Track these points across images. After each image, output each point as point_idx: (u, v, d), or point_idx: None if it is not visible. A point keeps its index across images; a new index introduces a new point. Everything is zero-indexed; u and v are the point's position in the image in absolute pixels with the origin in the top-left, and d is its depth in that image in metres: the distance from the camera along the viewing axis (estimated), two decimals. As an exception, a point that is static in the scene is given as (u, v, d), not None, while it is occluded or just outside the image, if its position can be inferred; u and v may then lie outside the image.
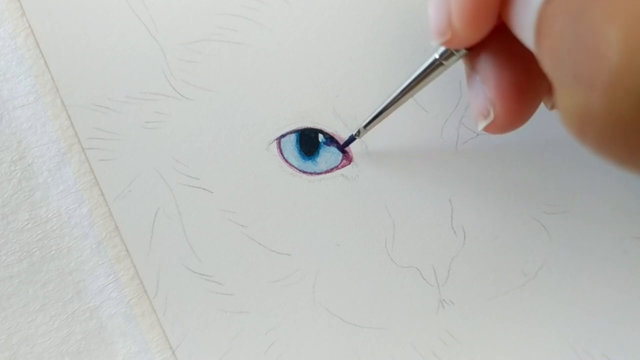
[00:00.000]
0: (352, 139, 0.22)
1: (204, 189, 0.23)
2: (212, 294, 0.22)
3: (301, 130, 0.23)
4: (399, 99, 0.19)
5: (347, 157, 0.23)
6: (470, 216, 0.22)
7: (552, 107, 0.19)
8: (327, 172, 0.23)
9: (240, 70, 0.23)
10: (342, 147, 0.22)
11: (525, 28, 0.14)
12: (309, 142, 0.23)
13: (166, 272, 0.22)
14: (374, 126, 0.21)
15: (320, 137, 0.23)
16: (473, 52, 0.17)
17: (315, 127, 0.23)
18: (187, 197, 0.22)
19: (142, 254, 0.22)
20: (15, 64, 0.23)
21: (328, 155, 0.23)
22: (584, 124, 0.12)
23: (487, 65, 0.17)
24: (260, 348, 0.22)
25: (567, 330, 0.22)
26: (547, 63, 0.13)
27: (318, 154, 0.23)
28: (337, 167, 0.23)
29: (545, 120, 0.23)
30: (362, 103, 0.22)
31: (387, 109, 0.20)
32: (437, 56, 0.18)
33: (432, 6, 0.16)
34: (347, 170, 0.23)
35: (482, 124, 0.18)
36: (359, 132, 0.21)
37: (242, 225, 0.22)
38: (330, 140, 0.23)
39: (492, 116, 0.17)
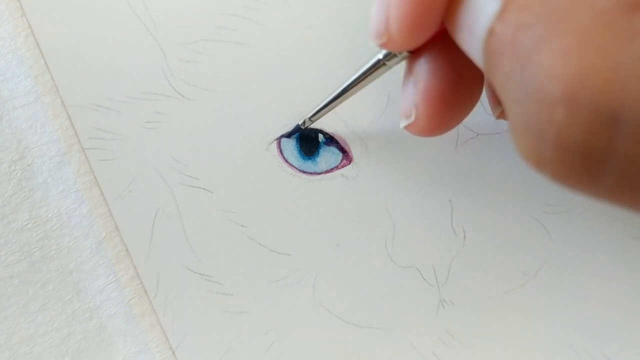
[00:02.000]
0: (298, 128, 0.22)
1: (204, 189, 0.23)
2: (212, 294, 0.22)
3: (301, 130, 0.23)
4: (343, 94, 0.20)
5: (347, 157, 0.23)
6: (470, 216, 0.22)
7: (498, 117, 0.19)
8: (327, 172, 0.23)
9: (240, 70, 0.23)
10: (288, 136, 0.23)
11: (474, 51, 0.14)
12: (309, 142, 0.23)
13: (166, 272, 0.22)
14: (319, 118, 0.21)
15: (320, 137, 0.23)
16: (414, 55, 0.18)
17: (315, 127, 0.23)
18: (187, 197, 0.22)
19: (142, 254, 0.22)
20: (15, 64, 0.23)
21: (328, 155, 0.23)
22: (538, 164, 0.13)
23: (421, 69, 0.17)
24: (260, 348, 0.22)
25: (567, 330, 0.22)
26: (499, 93, 0.13)
27: (318, 154, 0.23)
28: (337, 167, 0.23)
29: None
30: (362, 103, 0.22)
31: (331, 103, 0.21)
32: (380, 57, 0.18)
33: (375, 6, 0.16)
34: (347, 170, 0.23)
35: (403, 123, 0.18)
36: (304, 122, 0.22)
37: (242, 225, 0.22)
38: (330, 140, 0.23)
39: (412, 118, 0.18)
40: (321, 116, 0.21)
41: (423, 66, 0.17)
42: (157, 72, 0.23)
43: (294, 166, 0.23)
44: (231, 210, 0.22)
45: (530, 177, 0.22)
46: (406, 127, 0.18)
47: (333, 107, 0.21)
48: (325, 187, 0.23)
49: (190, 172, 0.23)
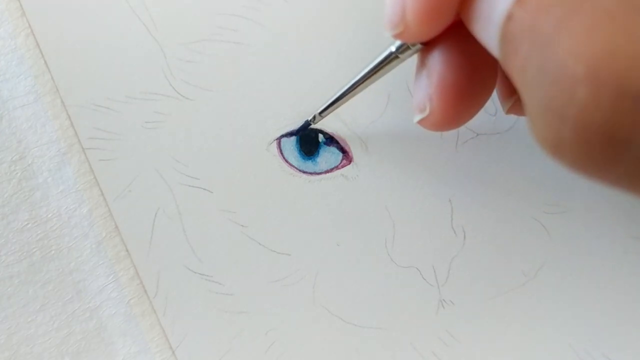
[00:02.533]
0: (307, 124, 0.22)
1: (204, 189, 0.23)
2: (212, 294, 0.22)
3: (301, 130, 0.23)
4: (354, 88, 0.20)
5: (347, 157, 0.23)
6: (470, 216, 0.22)
7: (508, 111, 0.19)
8: (327, 172, 0.23)
9: (240, 70, 0.23)
10: (297, 133, 0.22)
11: (489, 40, 0.14)
12: (309, 142, 0.23)
13: (166, 272, 0.22)
14: (329, 113, 0.21)
15: (320, 137, 0.23)
16: (427, 47, 0.17)
17: (315, 127, 0.23)
18: (187, 197, 0.22)
19: (142, 254, 0.22)
20: (15, 64, 0.23)
21: (328, 155, 0.23)
22: (557, 149, 0.12)
23: (435, 61, 0.17)
24: (260, 348, 0.22)
25: (567, 330, 0.22)
26: (516, 80, 0.13)
27: (318, 154, 0.23)
28: (337, 167, 0.23)
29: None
30: (362, 103, 0.22)
31: (342, 98, 0.20)
32: (393, 49, 0.18)
33: None
34: (347, 170, 0.23)
35: (417, 118, 0.18)
36: (314, 118, 0.22)
37: (242, 225, 0.22)
38: (330, 140, 0.23)
39: (427, 112, 0.17)
40: (331, 112, 0.21)
41: (437, 58, 0.17)
42: (157, 72, 0.23)
43: (294, 166, 0.23)
44: (231, 210, 0.22)
45: (530, 177, 0.22)
46: (420, 122, 0.18)
47: (343, 103, 0.21)
48: (325, 187, 0.23)
49: (190, 172, 0.23)
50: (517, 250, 0.22)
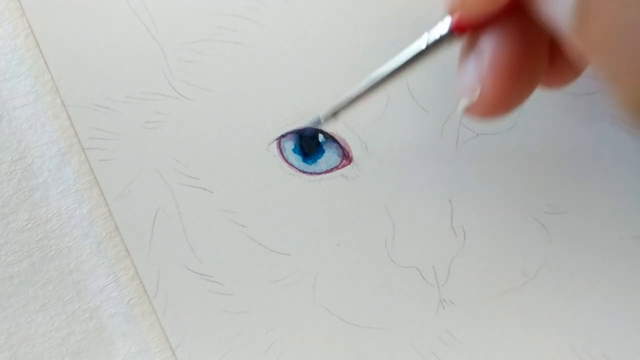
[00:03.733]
0: (317, 122, 0.21)
1: (204, 189, 0.23)
2: (212, 294, 0.22)
3: (301, 130, 0.23)
4: (375, 87, 0.18)
5: (347, 157, 0.23)
6: (470, 216, 0.22)
7: (549, 86, 0.18)
8: (327, 172, 0.23)
9: (240, 70, 0.23)
10: (305, 132, 0.22)
11: (558, 11, 0.13)
12: (309, 142, 0.23)
13: (166, 272, 0.22)
14: (342, 114, 0.20)
15: (320, 137, 0.23)
16: (474, 30, 0.16)
17: (315, 127, 0.23)
18: (187, 197, 0.22)
19: (142, 254, 0.22)
20: (15, 64, 0.23)
21: (328, 155, 0.23)
22: None
23: (488, 43, 0.16)
24: (260, 348, 0.22)
25: (567, 330, 0.22)
26: (594, 48, 0.13)
27: (318, 154, 0.23)
28: (337, 167, 0.23)
29: (545, 120, 0.23)
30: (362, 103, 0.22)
31: (361, 97, 0.19)
32: (423, 46, 0.17)
33: None
34: (347, 170, 0.23)
35: (465, 102, 0.17)
36: (323, 117, 0.20)
37: (242, 225, 0.22)
38: (330, 140, 0.23)
39: (477, 93, 0.16)
40: (348, 110, 0.20)
41: (490, 39, 0.16)
42: (157, 72, 0.23)
43: (294, 166, 0.23)
44: (231, 210, 0.22)
45: (530, 177, 0.22)
46: (468, 108, 0.17)
47: (360, 103, 0.19)
48: (325, 187, 0.23)
49: (190, 172, 0.23)
50: (517, 250, 0.22)
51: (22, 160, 0.23)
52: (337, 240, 0.22)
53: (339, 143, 0.23)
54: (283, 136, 0.23)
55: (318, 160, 0.23)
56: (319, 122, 0.21)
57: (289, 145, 0.23)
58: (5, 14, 0.23)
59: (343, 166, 0.23)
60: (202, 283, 0.22)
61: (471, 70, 0.17)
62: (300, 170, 0.23)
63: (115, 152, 0.23)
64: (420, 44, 0.17)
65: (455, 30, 0.16)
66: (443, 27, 0.16)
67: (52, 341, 0.22)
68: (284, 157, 0.23)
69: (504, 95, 0.16)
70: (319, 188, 0.23)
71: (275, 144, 0.23)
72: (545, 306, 0.22)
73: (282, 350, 0.22)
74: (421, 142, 0.22)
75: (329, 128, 0.23)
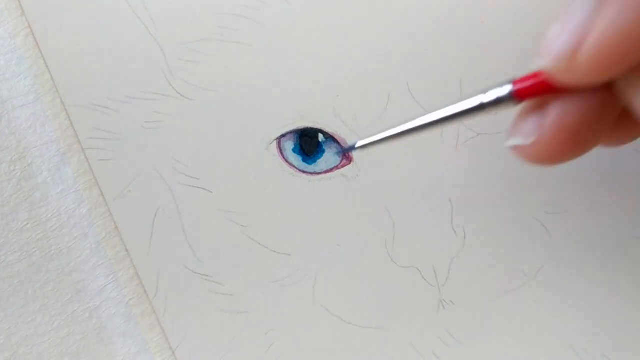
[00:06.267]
0: (352, 147, 0.21)
1: (204, 189, 0.23)
2: (212, 294, 0.22)
3: (301, 130, 0.23)
4: (417, 131, 0.18)
5: (347, 157, 0.23)
6: (470, 216, 0.22)
7: (609, 144, 0.18)
8: (327, 172, 0.23)
9: (240, 70, 0.23)
10: (345, 151, 0.22)
11: None
12: (309, 142, 0.23)
13: (166, 272, 0.22)
14: (374, 146, 0.20)
15: (320, 137, 0.23)
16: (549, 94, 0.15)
17: (315, 127, 0.23)
18: (187, 197, 0.22)
19: (142, 254, 0.22)
20: (14, 64, 0.23)
21: (328, 155, 0.23)
22: None
23: (558, 109, 0.15)
24: (260, 348, 0.22)
25: (567, 330, 0.22)
26: None
27: (318, 154, 0.23)
28: (337, 167, 0.23)
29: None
30: (362, 103, 0.22)
31: (400, 136, 0.18)
32: (484, 100, 0.16)
33: (562, 21, 0.13)
34: (347, 170, 0.23)
35: (516, 142, 0.16)
36: (354, 145, 0.20)
37: (242, 225, 0.22)
38: (330, 140, 0.23)
39: (532, 140, 0.15)
40: (375, 145, 0.19)
41: (562, 106, 0.15)
42: (157, 72, 0.23)
43: (294, 166, 0.23)
44: (231, 210, 0.22)
45: (530, 177, 0.22)
46: (518, 148, 0.16)
47: (396, 141, 0.19)
48: (325, 187, 0.23)
49: (190, 172, 0.23)
50: (517, 250, 0.22)
51: (22, 160, 0.23)
52: (337, 240, 0.22)
53: (339, 143, 0.23)
54: (283, 136, 0.23)
55: (318, 160, 0.23)
56: (353, 147, 0.21)
57: (289, 145, 0.23)
58: (5, 13, 0.23)
59: (343, 166, 0.23)
60: (201, 283, 0.22)
61: (532, 120, 0.16)
62: (300, 170, 0.23)
63: (115, 152, 0.23)
64: (473, 102, 0.16)
65: (518, 97, 0.15)
66: (502, 90, 0.16)
67: (52, 341, 0.22)
68: (284, 157, 0.23)
69: (561, 153, 0.16)
70: (319, 188, 0.23)
71: (275, 144, 0.23)
72: (545, 306, 0.22)
73: (282, 350, 0.22)
74: (421, 142, 0.22)
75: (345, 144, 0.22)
